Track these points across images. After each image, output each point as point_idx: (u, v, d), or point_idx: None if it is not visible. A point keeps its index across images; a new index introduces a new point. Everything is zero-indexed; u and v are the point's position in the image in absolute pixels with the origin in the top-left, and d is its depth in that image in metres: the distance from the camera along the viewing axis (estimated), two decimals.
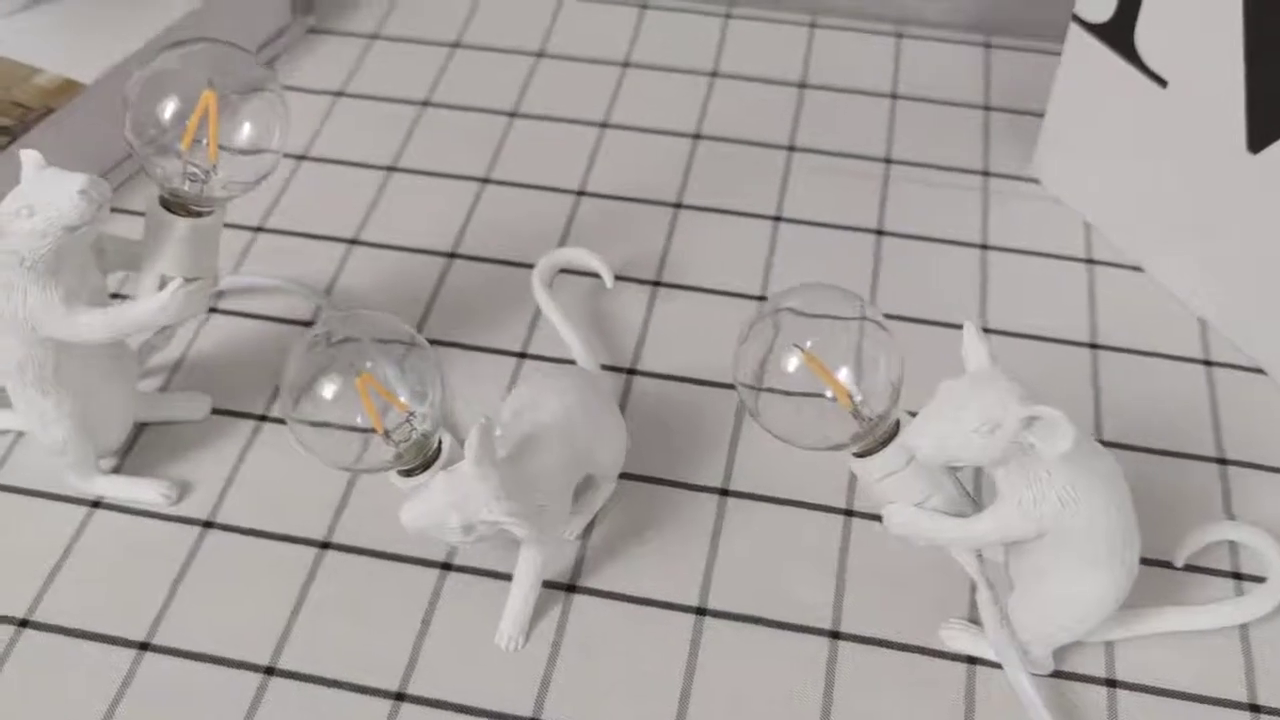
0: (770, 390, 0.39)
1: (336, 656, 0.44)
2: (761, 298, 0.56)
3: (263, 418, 0.52)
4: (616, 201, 0.61)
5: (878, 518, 0.48)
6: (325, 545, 0.48)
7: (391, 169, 0.63)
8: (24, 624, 0.45)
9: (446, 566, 0.47)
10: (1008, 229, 0.59)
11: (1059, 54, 0.68)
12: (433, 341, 0.50)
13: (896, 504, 0.40)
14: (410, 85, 0.67)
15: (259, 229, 0.59)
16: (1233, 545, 0.47)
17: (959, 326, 0.54)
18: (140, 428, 0.51)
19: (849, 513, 0.49)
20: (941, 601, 0.46)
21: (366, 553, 0.47)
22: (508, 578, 0.46)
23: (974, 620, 0.45)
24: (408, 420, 0.41)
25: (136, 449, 0.51)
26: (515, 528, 0.40)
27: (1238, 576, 0.46)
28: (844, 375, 0.39)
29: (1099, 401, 0.52)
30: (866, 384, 0.39)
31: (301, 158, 0.63)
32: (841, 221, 0.60)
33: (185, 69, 0.41)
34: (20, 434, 0.51)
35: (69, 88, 0.58)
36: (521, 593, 0.44)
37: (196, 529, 0.48)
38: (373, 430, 0.40)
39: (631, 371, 0.54)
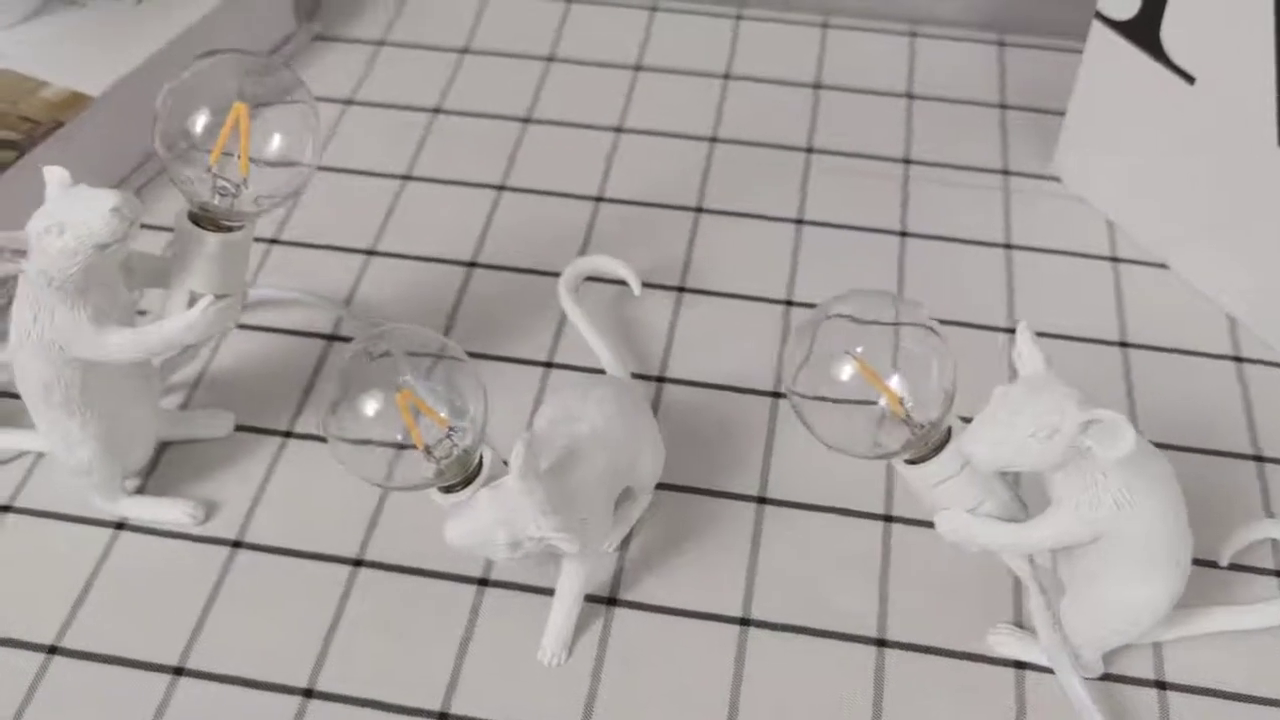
0: (821, 399, 0.39)
1: (376, 676, 0.44)
2: (788, 302, 0.56)
3: (288, 434, 0.51)
4: (636, 207, 0.60)
5: (918, 523, 0.48)
6: (358, 563, 0.47)
7: (406, 177, 0.62)
8: (53, 650, 0.44)
9: (484, 582, 0.46)
10: (1031, 228, 0.59)
11: (1073, 51, 0.68)
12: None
13: (949, 510, 0.40)
14: (420, 92, 0.66)
15: (274, 241, 0.58)
16: (1275, 543, 0.47)
17: (988, 328, 0.55)
18: (163, 446, 0.50)
19: (888, 518, 0.48)
20: (986, 607, 0.45)
21: (401, 569, 0.47)
22: (546, 592, 0.45)
23: (1020, 625, 0.45)
24: (448, 436, 0.40)
25: (159, 468, 0.50)
26: (563, 543, 0.39)
27: None
28: (896, 382, 0.38)
29: (1133, 401, 0.52)
30: (919, 390, 0.38)
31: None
32: (864, 223, 0.59)
33: (215, 80, 0.40)
34: (40, 455, 0.50)
35: (76, 100, 0.57)
36: (564, 607, 0.44)
37: (225, 549, 0.47)
38: (413, 446, 0.40)
39: (661, 379, 0.53)
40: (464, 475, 0.41)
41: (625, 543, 0.47)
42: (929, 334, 0.38)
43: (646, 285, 0.55)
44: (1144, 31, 0.53)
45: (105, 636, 0.45)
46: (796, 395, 0.39)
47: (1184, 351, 0.54)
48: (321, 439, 0.50)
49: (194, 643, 0.44)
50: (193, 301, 0.42)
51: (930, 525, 0.47)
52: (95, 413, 0.44)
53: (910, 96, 0.66)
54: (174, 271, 0.43)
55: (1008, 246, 0.58)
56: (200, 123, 0.40)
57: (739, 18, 0.71)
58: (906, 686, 0.43)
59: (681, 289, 0.56)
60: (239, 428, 0.51)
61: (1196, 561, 0.45)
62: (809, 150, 0.63)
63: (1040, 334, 0.54)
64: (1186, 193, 0.55)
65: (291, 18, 0.68)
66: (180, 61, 0.60)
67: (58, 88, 0.57)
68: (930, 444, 0.39)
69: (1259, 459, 0.50)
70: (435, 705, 0.43)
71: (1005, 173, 0.62)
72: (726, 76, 0.67)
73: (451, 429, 0.40)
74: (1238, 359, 0.53)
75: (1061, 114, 0.63)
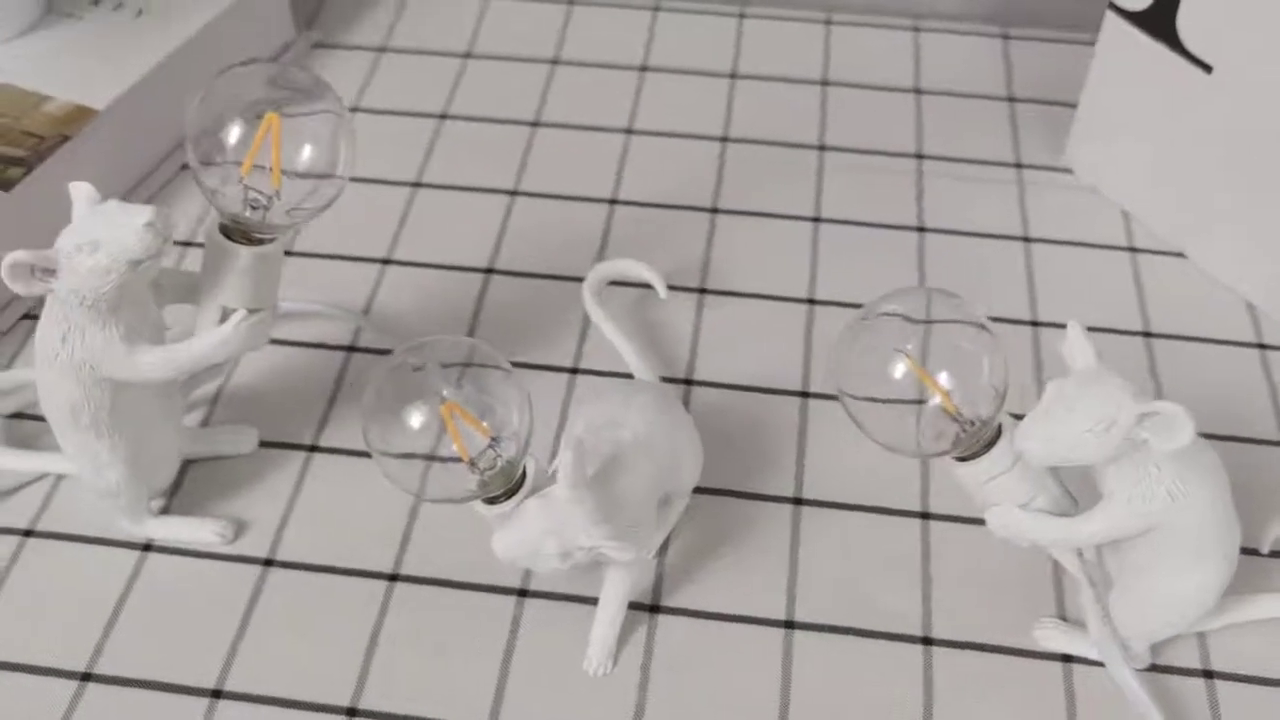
0: (872, 400, 0.38)
1: (420, 693, 0.43)
2: (811, 301, 0.55)
3: (313, 448, 0.50)
4: (651, 209, 0.60)
5: (956, 519, 0.48)
6: (394, 577, 0.46)
7: (416, 185, 0.61)
8: (86, 678, 0.43)
9: (523, 593, 0.46)
10: (1047, 220, 0.59)
11: (1077, 43, 0.68)
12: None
13: (1000, 507, 0.40)
14: (425, 98, 0.66)
15: (286, 253, 0.57)
16: None
17: (1012, 321, 0.55)
18: (186, 465, 0.49)
19: (925, 516, 0.48)
20: (1029, 601, 0.45)
21: (439, 583, 0.46)
22: (588, 601, 0.45)
23: (1064, 618, 0.45)
24: (491, 447, 0.40)
25: (184, 487, 0.49)
26: (616, 552, 0.39)
27: None
28: (946, 379, 0.38)
29: (1160, 391, 0.52)
30: (970, 387, 0.38)
31: (322, 176, 0.61)
32: (881, 220, 0.59)
33: (246, 90, 0.39)
34: (59, 478, 0.49)
35: (81, 114, 0.56)
36: (608, 616, 0.43)
37: (257, 568, 0.47)
38: (458, 459, 0.39)
39: (689, 382, 0.52)
40: (508, 486, 0.40)
41: (664, 548, 0.47)
42: (979, 330, 0.38)
43: (668, 288, 0.55)
44: (1159, 22, 0.53)
45: (139, 661, 0.44)
46: (848, 396, 0.39)
47: (1207, 340, 0.54)
48: (348, 452, 0.50)
49: (231, 664, 0.44)
50: (224, 317, 0.42)
51: (968, 521, 0.47)
52: (123, 434, 0.43)
53: (918, 92, 0.66)
54: (204, 286, 0.42)
55: (1026, 239, 0.58)
56: (231, 133, 0.39)
57: (742, 16, 0.70)
58: (955, 684, 0.43)
59: (703, 290, 0.56)
60: (262, 443, 0.50)
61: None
62: (821, 148, 0.63)
63: (1063, 327, 0.55)
64: (1203, 182, 0.55)
65: (291, 25, 0.67)
66: (183, 73, 0.60)
67: (61, 102, 0.56)
68: (981, 441, 0.39)
69: None
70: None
71: (1018, 166, 0.62)
72: (733, 76, 0.67)
73: (495, 439, 0.40)
74: (1261, 346, 0.54)
75: (1070, 106, 0.63)
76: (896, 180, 0.61)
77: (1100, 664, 0.43)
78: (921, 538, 0.47)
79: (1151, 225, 0.58)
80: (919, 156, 0.62)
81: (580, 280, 0.56)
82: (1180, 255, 0.57)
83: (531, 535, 0.39)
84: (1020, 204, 0.60)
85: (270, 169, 0.39)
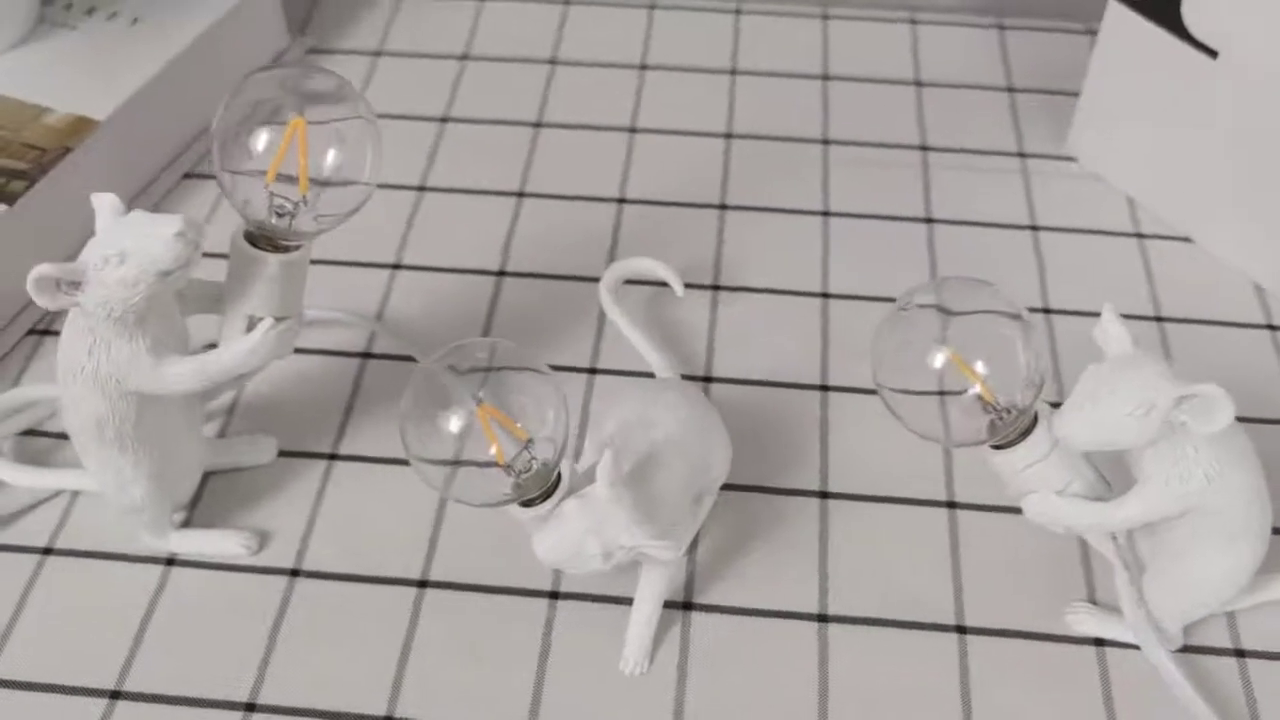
0: (908, 393, 0.38)
1: (458, 699, 0.43)
2: (824, 295, 0.56)
3: (333, 456, 0.50)
4: (659, 207, 0.60)
5: (981, 508, 0.48)
6: (423, 584, 0.46)
7: (421, 189, 0.60)
8: (115, 695, 0.43)
9: (555, 595, 0.45)
10: (1053, 209, 0.59)
11: (1073, 32, 0.69)
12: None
13: (1037, 494, 0.40)
14: (424, 101, 0.65)
15: None
16: None
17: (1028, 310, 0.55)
18: (205, 477, 0.48)
19: (951, 505, 0.48)
20: (1059, 586, 0.46)
21: (469, 588, 0.46)
22: (619, 601, 0.45)
23: (1095, 602, 0.45)
24: (526, 449, 0.39)
25: (203, 500, 0.48)
26: (659, 551, 0.39)
27: None
28: (982, 368, 0.38)
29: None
30: (1007, 376, 0.38)
31: (326, 183, 0.60)
32: (889, 212, 0.59)
33: (270, 96, 0.39)
34: (75, 494, 0.48)
35: (82, 125, 0.55)
36: (644, 616, 0.43)
37: (283, 579, 0.46)
38: (494, 463, 0.39)
39: (708, 379, 0.52)
40: (544, 488, 0.40)
41: (693, 546, 0.47)
42: (1014, 319, 0.38)
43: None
44: (1163, 8, 0.54)
45: (169, 677, 0.43)
46: (886, 389, 0.39)
47: (1217, 323, 0.54)
48: (369, 459, 0.50)
49: (263, 677, 0.43)
50: (251, 326, 0.41)
51: (995, 509, 0.48)
52: (148, 447, 0.42)
53: (918, 84, 0.66)
54: (230, 295, 0.41)
55: (1033, 228, 0.58)
56: (257, 140, 0.39)
57: (738, 12, 0.70)
58: (991, 671, 0.43)
59: (716, 287, 0.56)
60: (281, 453, 0.50)
61: None
62: (825, 142, 0.63)
63: (1075, 313, 0.55)
64: (1208, 167, 0.55)
65: (284, 31, 0.67)
66: (181, 81, 0.59)
67: (61, 113, 0.55)
68: (1018, 429, 0.39)
69: None
70: None
71: (1021, 155, 0.62)
72: (733, 72, 0.67)
73: (530, 441, 0.39)
74: (1271, 327, 0.54)
75: (1069, 94, 0.64)
76: (902, 173, 0.61)
77: (1133, 646, 0.44)
78: (949, 527, 0.47)
79: (1157, 211, 0.59)
80: (923, 148, 0.62)
81: (593, 280, 0.56)
82: (1187, 240, 0.58)
83: (573, 536, 0.39)
84: (1026, 193, 0.60)
85: (296, 175, 0.39)
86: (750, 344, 0.54)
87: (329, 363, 0.53)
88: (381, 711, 0.42)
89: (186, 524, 0.47)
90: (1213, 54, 0.53)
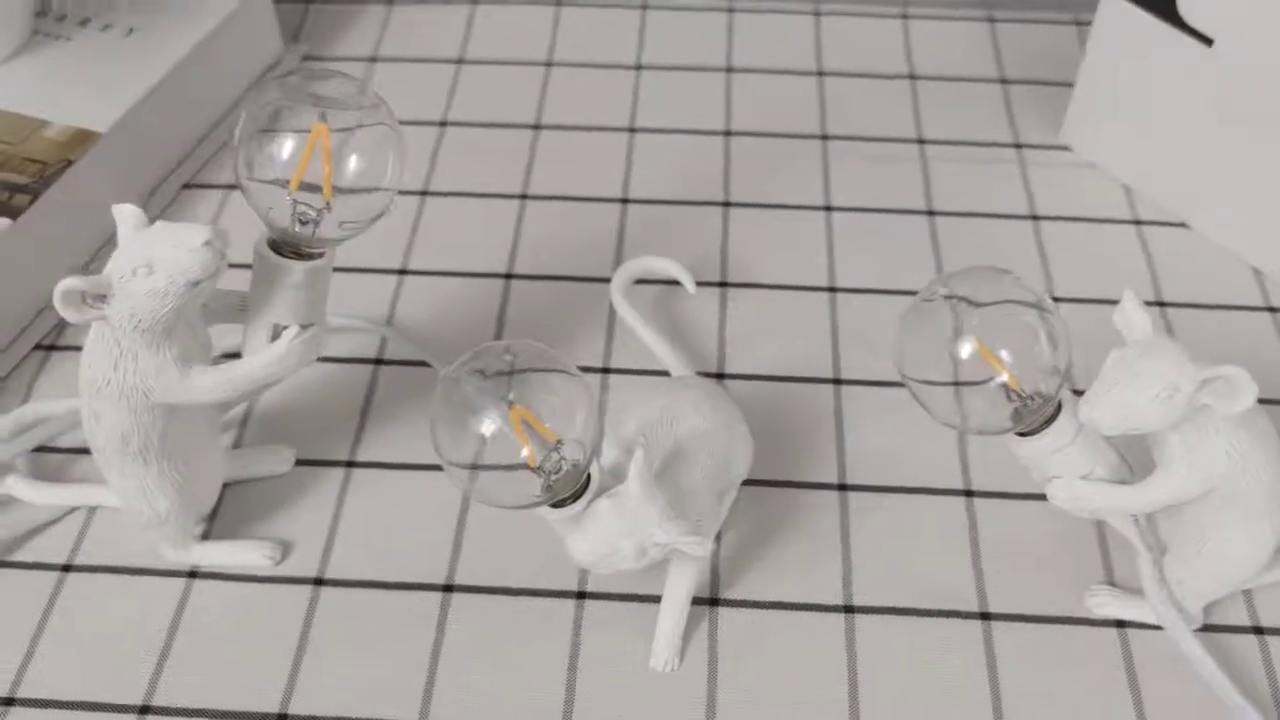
0: (936, 384, 0.39)
1: (490, 703, 0.43)
2: (832, 289, 0.56)
3: (350, 463, 0.50)
4: (663, 206, 0.60)
5: (998, 495, 0.48)
6: (449, 588, 0.46)
7: (424, 193, 0.60)
8: (144, 710, 0.42)
9: (581, 595, 0.46)
10: (1051, 198, 0.60)
11: (1062, 23, 0.70)
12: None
13: (1062, 479, 0.40)
14: (422, 106, 0.65)
15: None
16: None
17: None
18: (223, 488, 0.48)
19: (969, 493, 0.49)
20: (1078, 570, 0.46)
21: (495, 590, 0.46)
22: (644, 598, 0.45)
23: (1114, 584, 0.46)
24: (555, 449, 0.39)
25: (222, 511, 0.48)
26: (693, 547, 0.39)
27: None
28: (1007, 357, 0.38)
29: None
30: (1032, 364, 0.38)
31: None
32: (891, 205, 0.60)
33: (291, 102, 0.39)
34: (92, 510, 0.48)
35: (83, 137, 0.55)
36: (673, 613, 0.43)
37: (308, 588, 0.46)
38: (525, 466, 0.39)
39: (720, 375, 0.53)
40: (575, 489, 0.40)
41: (716, 541, 0.47)
42: (1038, 308, 0.39)
43: None
44: None
45: (198, 690, 0.43)
46: (912, 380, 0.39)
47: (1218, 306, 0.55)
48: (387, 466, 0.50)
49: (293, 687, 0.43)
50: (275, 334, 0.41)
51: (1011, 496, 0.48)
52: (172, 459, 0.42)
53: (912, 77, 0.66)
54: (254, 304, 0.41)
55: (1034, 218, 0.59)
56: (278, 147, 0.39)
57: (730, 10, 0.71)
58: (1017, 656, 0.44)
59: (724, 284, 0.56)
60: (298, 462, 0.49)
61: None
62: (824, 137, 0.63)
63: (1079, 300, 0.56)
64: (1204, 153, 0.56)
65: (279, 39, 0.66)
66: (179, 90, 0.59)
67: (61, 126, 0.55)
68: (1043, 416, 0.39)
69: None
70: None
71: (1017, 146, 0.63)
72: (729, 70, 0.67)
73: (559, 442, 0.39)
74: (1270, 309, 0.55)
75: (1060, 85, 0.64)
76: (902, 166, 0.62)
77: (1153, 627, 0.44)
78: (967, 515, 0.48)
79: (1153, 198, 0.59)
80: (920, 141, 0.63)
81: (601, 280, 0.56)
82: (1183, 225, 0.59)
83: (607, 536, 0.39)
84: (1024, 183, 0.61)
85: (319, 182, 0.39)
86: (761, 340, 0.54)
87: (342, 370, 0.53)
88: (415, 718, 0.42)
89: (206, 536, 0.47)
90: (1208, 42, 0.54)
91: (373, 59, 0.68)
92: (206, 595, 0.46)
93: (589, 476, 0.40)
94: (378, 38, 0.69)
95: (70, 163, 0.53)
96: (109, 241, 0.57)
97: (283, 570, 0.46)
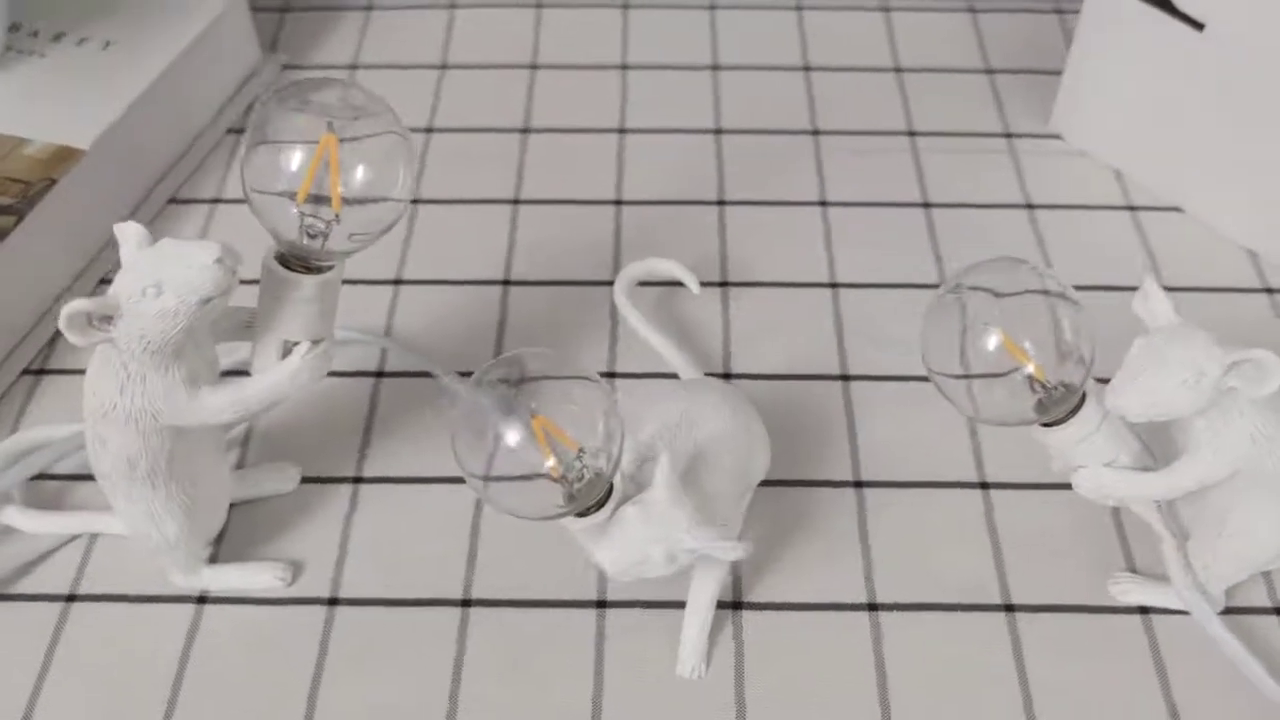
0: (961, 377, 0.39)
1: (516, 717, 0.42)
2: (833, 285, 0.56)
3: (357, 479, 0.49)
4: (657, 206, 0.59)
5: (1013, 486, 0.48)
6: (466, 603, 0.45)
7: (415, 201, 0.59)
8: None
9: (601, 604, 0.45)
10: (1045, 187, 0.60)
11: (1042, 11, 0.70)
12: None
13: (1088, 469, 0.40)
14: (407, 113, 0.61)
15: None
16: None
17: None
18: (229, 509, 0.47)
19: (984, 485, 0.48)
20: (1097, 558, 0.46)
21: (514, 603, 0.45)
22: (665, 605, 0.44)
23: (1135, 571, 0.46)
24: (578, 458, 0.39)
25: (228, 533, 0.47)
26: (724, 552, 0.38)
27: None
28: (1031, 348, 0.38)
29: None
30: (1056, 355, 0.38)
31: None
32: (886, 199, 0.59)
33: (299, 112, 0.38)
34: (94, 537, 0.47)
35: (66, 155, 0.53)
36: (698, 618, 0.43)
37: (322, 608, 0.45)
38: (550, 475, 0.38)
39: (727, 376, 0.52)
40: (599, 497, 0.39)
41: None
42: (1061, 298, 0.39)
43: None
44: None
45: (217, 717, 0.42)
46: (938, 374, 0.39)
47: (1215, 289, 0.56)
48: (396, 480, 0.49)
49: (313, 711, 0.42)
50: (286, 350, 0.40)
51: (1026, 487, 0.48)
52: (180, 482, 0.41)
53: (898, 70, 0.66)
54: (263, 320, 0.40)
55: (1029, 206, 0.59)
56: (286, 158, 0.37)
57: (712, 8, 0.70)
58: (1043, 647, 0.44)
59: (725, 284, 0.56)
60: (303, 479, 0.48)
61: None
62: (815, 132, 0.63)
63: (1081, 288, 0.55)
64: (1196, 137, 0.56)
65: (257, 50, 0.65)
66: (161, 103, 0.58)
67: (41, 144, 0.53)
68: (1068, 406, 0.39)
69: None
70: None
71: (1008, 135, 0.63)
72: (715, 68, 0.67)
73: (581, 450, 0.39)
74: (1268, 290, 0.55)
75: (1046, 73, 0.65)
76: (894, 159, 0.62)
77: (1176, 612, 0.44)
78: (984, 507, 0.48)
79: (1146, 183, 0.60)
80: (911, 134, 0.63)
81: (600, 284, 0.55)
82: (1177, 210, 0.59)
83: (636, 544, 0.38)
84: (1017, 173, 0.61)
85: (327, 194, 0.38)
86: (766, 338, 0.54)
87: (343, 384, 0.52)
88: None
89: (214, 560, 0.46)
90: (1199, 27, 0.54)
91: (353, 66, 0.67)
92: (217, 620, 0.45)
93: (611, 484, 0.40)
94: (357, 45, 0.68)
95: (53, 181, 0.52)
96: (93, 261, 0.55)
97: (295, 591, 0.45)
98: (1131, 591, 0.44)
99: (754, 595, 0.45)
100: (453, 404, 0.49)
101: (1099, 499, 0.41)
